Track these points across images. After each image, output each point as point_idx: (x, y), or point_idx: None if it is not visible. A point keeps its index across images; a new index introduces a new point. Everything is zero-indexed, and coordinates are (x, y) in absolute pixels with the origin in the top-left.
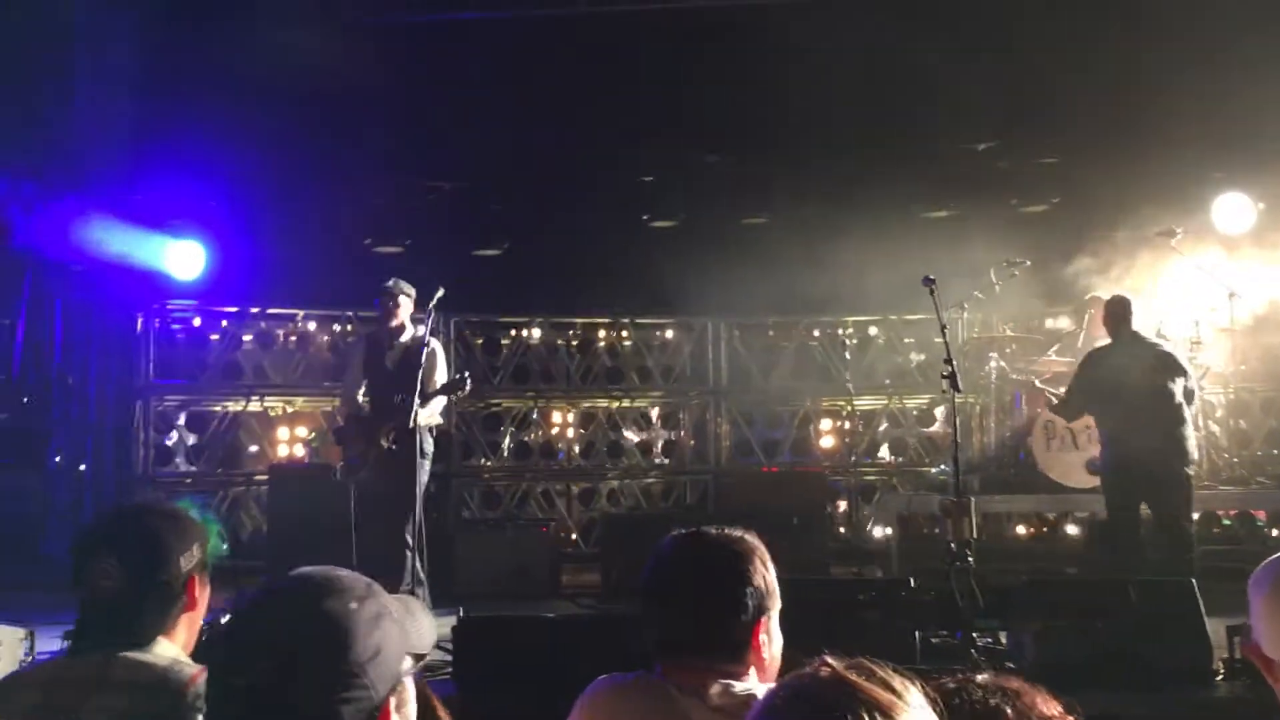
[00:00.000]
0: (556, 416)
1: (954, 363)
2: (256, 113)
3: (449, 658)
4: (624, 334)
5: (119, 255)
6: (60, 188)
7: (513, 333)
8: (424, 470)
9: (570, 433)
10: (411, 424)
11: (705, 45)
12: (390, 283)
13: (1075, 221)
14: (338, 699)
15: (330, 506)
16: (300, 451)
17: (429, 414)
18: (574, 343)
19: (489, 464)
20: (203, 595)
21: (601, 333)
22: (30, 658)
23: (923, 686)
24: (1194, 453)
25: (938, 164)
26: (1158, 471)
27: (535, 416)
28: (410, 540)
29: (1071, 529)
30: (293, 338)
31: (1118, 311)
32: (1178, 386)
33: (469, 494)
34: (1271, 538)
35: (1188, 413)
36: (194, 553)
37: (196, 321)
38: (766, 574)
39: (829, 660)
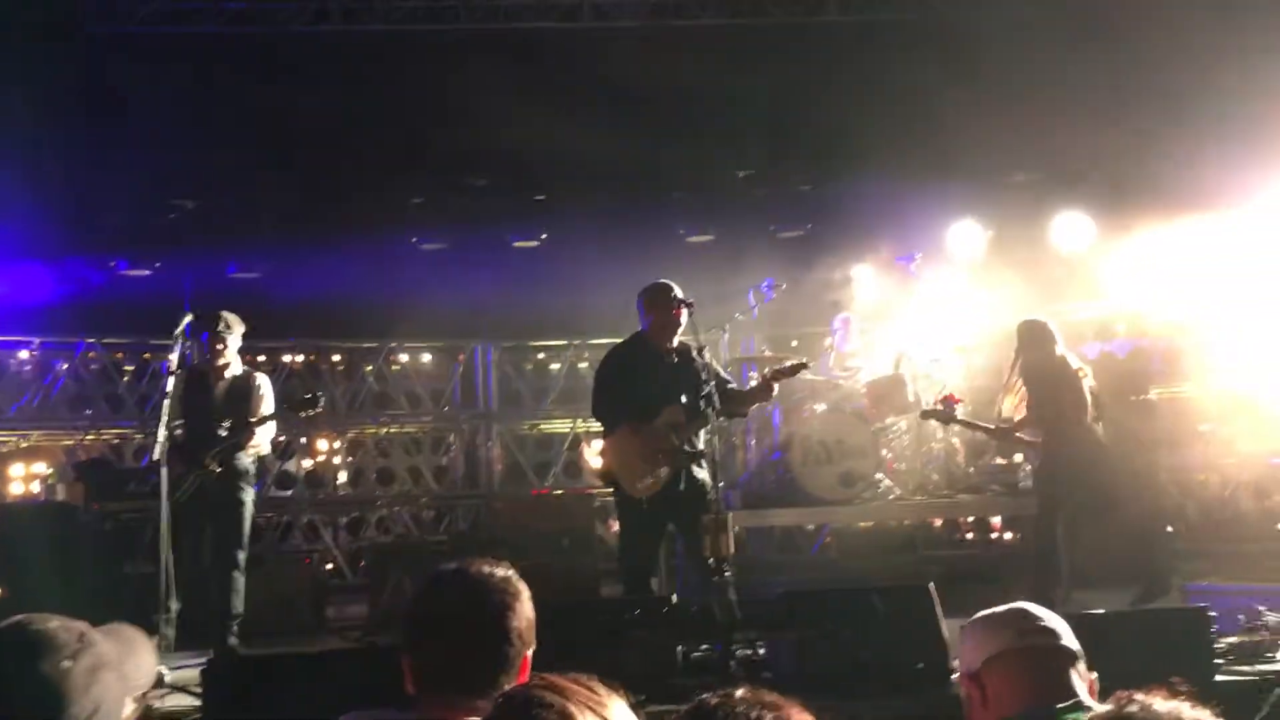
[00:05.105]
0: (322, 444)
1: (711, 383)
2: None
3: (198, 703)
4: (392, 358)
5: None
6: None
7: (273, 357)
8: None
9: (337, 460)
10: (245, 452)
11: (470, 67)
12: (220, 324)
13: (827, 246)
14: None
15: (71, 545)
16: (36, 489)
17: (264, 440)
18: (340, 368)
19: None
20: None
21: (368, 357)
22: None
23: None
24: None
25: (701, 191)
26: None
27: (299, 445)
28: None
29: (828, 540)
30: (27, 367)
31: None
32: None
33: None
34: (1004, 542)
35: None
36: None
37: None
38: (529, 613)
39: (544, 677)
